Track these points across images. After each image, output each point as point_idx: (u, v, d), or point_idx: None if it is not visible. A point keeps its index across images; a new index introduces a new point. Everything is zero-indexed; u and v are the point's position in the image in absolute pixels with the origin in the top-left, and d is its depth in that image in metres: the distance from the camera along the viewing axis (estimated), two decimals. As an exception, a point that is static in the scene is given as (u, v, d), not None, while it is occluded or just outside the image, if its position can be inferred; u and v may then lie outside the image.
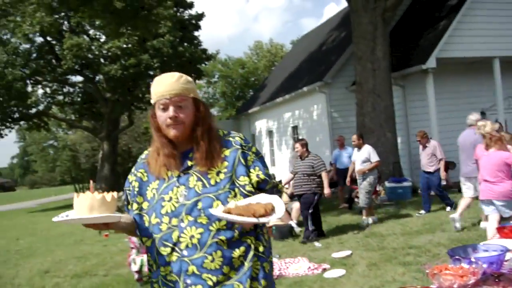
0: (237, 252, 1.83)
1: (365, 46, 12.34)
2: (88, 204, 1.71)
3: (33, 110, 24.59)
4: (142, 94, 24.03)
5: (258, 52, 48.66)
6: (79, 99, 26.69)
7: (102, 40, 23.70)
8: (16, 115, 24.26)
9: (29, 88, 24.24)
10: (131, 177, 2.00)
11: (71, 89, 26.96)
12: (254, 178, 1.91)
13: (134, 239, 6.38)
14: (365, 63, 12.41)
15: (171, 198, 1.85)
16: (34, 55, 23.42)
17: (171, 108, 1.83)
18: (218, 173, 1.86)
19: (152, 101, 1.90)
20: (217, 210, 1.74)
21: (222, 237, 1.81)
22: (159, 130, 1.89)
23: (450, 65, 13.68)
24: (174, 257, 1.82)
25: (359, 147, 8.98)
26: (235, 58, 47.79)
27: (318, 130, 16.95)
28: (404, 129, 13.87)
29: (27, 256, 9.63)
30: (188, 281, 1.80)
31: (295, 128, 19.30)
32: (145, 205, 1.91)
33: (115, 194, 1.77)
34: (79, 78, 26.44)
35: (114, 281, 6.66)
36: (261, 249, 1.90)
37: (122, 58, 21.92)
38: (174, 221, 1.83)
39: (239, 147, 1.92)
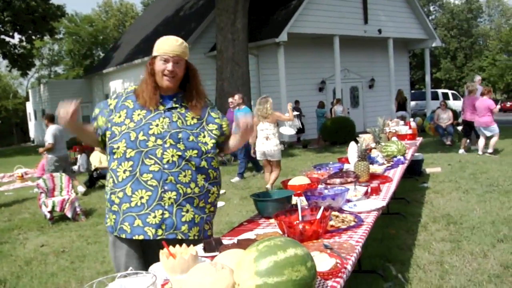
0: (200, 176, 2.45)
1: (227, 18, 13.73)
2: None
3: None
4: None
5: (108, 10, 47.25)
6: None
7: None
8: None
9: None
10: (111, 101, 2.52)
11: None
12: (225, 125, 2.63)
13: (42, 184, 7.04)
14: (226, 34, 13.83)
15: (158, 125, 2.40)
16: None
17: (170, 64, 2.40)
18: (193, 118, 2.50)
19: (154, 53, 2.43)
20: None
21: (193, 162, 2.42)
22: (153, 74, 2.45)
23: (298, 39, 15.99)
24: (156, 168, 2.36)
25: None
26: (83, 15, 45.83)
27: (176, 91, 17.98)
28: (257, 93, 15.78)
29: None
30: (166, 188, 2.36)
31: (152, 89, 20.04)
32: (131, 125, 2.40)
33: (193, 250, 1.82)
34: None
35: (23, 222, 7.09)
36: (214, 174, 2.54)
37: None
38: (159, 141, 2.37)
39: (208, 105, 2.60)
